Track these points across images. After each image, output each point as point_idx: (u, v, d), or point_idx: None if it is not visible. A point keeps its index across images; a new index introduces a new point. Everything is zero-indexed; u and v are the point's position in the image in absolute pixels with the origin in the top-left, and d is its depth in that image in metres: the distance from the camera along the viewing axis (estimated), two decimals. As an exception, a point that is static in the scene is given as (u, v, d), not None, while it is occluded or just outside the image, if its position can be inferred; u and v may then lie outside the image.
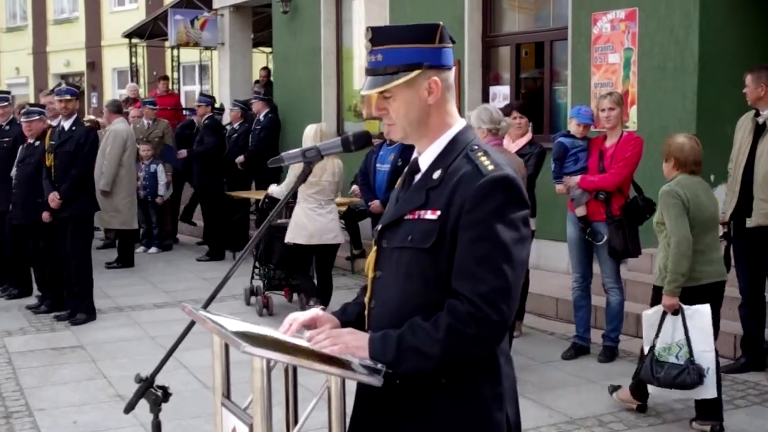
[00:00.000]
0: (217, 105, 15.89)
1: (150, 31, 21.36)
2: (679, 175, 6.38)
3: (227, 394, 3.03)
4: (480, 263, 2.56)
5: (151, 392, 3.12)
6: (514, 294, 2.59)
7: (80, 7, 33.74)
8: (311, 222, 9.10)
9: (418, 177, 2.80)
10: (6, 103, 11.19)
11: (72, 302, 9.86)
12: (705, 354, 6.12)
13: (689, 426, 6.37)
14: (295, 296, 10.44)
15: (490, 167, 2.63)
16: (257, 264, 10.53)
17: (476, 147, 2.73)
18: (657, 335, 6.25)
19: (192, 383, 7.37)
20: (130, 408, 3.18)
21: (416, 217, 2.70)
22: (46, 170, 9.75)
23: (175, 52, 21.22)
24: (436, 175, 2.71)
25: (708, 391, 6.15)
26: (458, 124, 2.80)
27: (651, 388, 6.43)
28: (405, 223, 2.73)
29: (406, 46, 2.70)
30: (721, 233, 7.55)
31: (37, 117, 10.13)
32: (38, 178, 9.92)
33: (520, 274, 2.63)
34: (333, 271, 9.92)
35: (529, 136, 8.53)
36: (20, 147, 10.40)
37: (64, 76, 34.58)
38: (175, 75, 21.99)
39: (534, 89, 11.93)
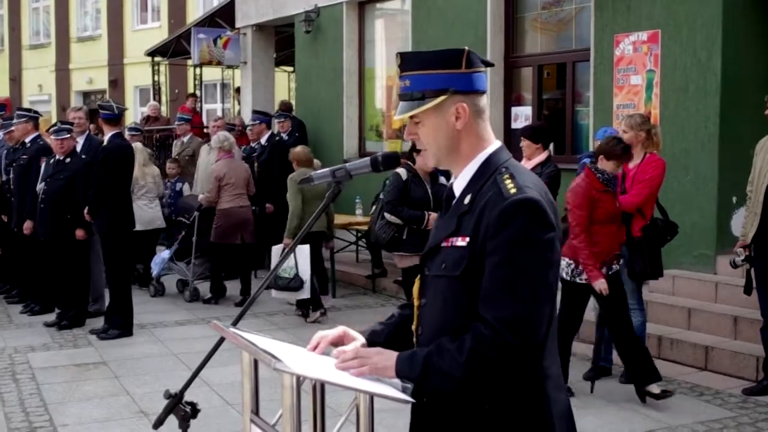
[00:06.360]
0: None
1: (172, 50, 21.48)
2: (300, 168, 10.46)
3: (256, 411, 3.05)
4: (502, 288, 2.55)
5: (180, 408, 3.15)
6: (537, 319, 2.56)
7: (103, 25, 33.92)
8: (145, 213, 12.09)
9: (454, 203, 2.80)
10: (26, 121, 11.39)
11: (109, 317, 10.01)
12: (304, 272, 10.28)
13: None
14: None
15: (513, 190, 2.60)
16: None
17: (504, 169, 2.70)
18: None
19: (215, 400, 7.38)
20: (158, 424, 3.21)
21: (449, 244, 2.70)
22: None
23: (198, 70, 21.32)
24: (467, 200, 2.71)
25: (304, 294, 10.39)
26: (491, 146, 2.79)
27: (273, 293, 10.51)
28: (441, 251, 2.74)
29: (432, 72, 2.72)
30: (743, 256, 7.56)
31: (68, 135, 10.24)
32: (68, 195, 10.08)
33: (544, 299, 2.59)
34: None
35: (542, 157, 8.41)
36: (45, 162, 10.52)
37: (86, 94, 34.83)
38: (197, 93, 22.08)
39: (556, 110, 11.95)
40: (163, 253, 12.43)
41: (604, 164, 7.40)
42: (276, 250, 10.64)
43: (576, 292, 7.47)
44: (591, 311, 8.77)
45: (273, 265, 10.73)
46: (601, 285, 7.22)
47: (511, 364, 2.56)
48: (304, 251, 10.31)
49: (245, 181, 11.84)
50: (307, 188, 10.13)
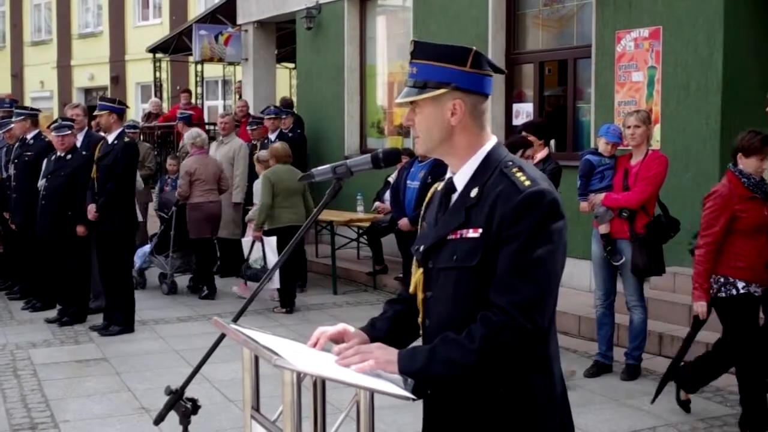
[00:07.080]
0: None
1: (174, 46, 21.48)
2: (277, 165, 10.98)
3: (257, 407, 3.05)
4: (516, 275, 2.62)
5: (180, 404, 3.15)
6: (547, 304, 2.66)
7: (104, 22, 33.96)
8: None
9: (455, 197, 2.84)
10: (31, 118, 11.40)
11: (108, 314, 10.01)
12: (271, 261, 10.70)
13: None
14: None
15: (527, 183, 2.68)
16: None
17: (510, 163, 2.77)
18: (250, 252, 11.10)
19: (216, 396, 7.40)
20: (159, 420, 3.22)
21: (458, 236, 2.75)
22: (91, 182, 9.94)
23: (199, 67, 21.32)
24: (474, 193, 2.76)
25: (275, 284, 10.82)
26: (490, 142, 2.85)
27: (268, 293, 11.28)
28: (449, 243, 2.78)
29: (438, 64, 2.78)
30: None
31: (69, 131, 10.24)
32: (69, 191, 10.09)
33: (554, 285, 2.69)
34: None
35: (542, 154, 8.40)
36: (47, 159, 10.52)
37: (87, 90, 34.84)
38: (199, 90, 22.08)
39: (557, 107, 11.94)
40: (144, 247, 12.76)
41: (744, 162, 6.39)
42: (245, 242, 11.47)
43: (734, 308, 6.52)
44: (591, 308, 8.78)
45: (245, 256, 11.35)
46: (699, 307, 6.51)
47: (523, 347, 2.64)
48: (271, 242, 10.91)
49: (215, 176, 12.07)
50: (279, 184, 10.81)
